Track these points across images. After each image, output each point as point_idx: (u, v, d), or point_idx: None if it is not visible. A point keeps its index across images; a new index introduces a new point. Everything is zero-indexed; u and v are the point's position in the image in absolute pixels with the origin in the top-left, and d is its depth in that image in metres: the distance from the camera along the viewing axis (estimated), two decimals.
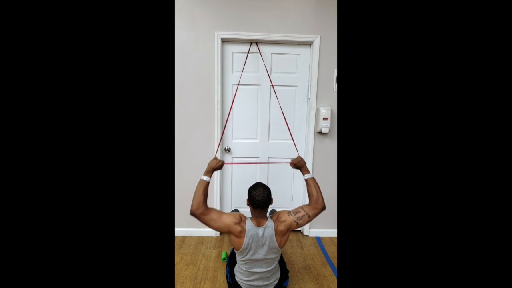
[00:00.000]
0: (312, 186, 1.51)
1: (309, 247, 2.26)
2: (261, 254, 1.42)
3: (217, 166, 1.51)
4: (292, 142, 2.37)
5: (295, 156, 2.38)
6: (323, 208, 1.48)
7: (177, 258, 2.05)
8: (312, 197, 1.49)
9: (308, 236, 2.44)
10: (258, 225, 1.43)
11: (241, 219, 1.44)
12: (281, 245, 1.44)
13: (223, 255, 2.02)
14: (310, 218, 1.46)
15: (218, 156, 2.27)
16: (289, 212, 1.48)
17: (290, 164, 1.61)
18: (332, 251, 2.21)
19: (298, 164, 1.57)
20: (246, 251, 1.42)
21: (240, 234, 1.40)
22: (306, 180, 1.54)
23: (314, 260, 2.08)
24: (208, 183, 1.45)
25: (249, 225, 1.42)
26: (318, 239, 2.39)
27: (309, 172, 1.56)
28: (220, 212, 1.46)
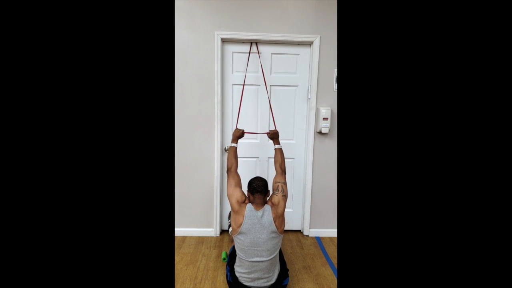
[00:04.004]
0: (279, 154, 1.81)
1: (309, 247, 2.26)
2: (261, 238, 1.48)
3: (238, 134, 1.85)
4: (296, 141, 2.36)
5: (294, 154, 2.42)
6: (285, 171, 1.78)
7: (177, 258, 2.05)
8: (277, 163, 1.79)
9: (308, 236, 2.44)
10: (257, 209, 1.54)
11: (244, 201, 1.59)
12: (280, 229, 1.53)
13: (223, 255, 2.02)
14: (286, 184, 1.69)
15: (218, 156, 2.28)
16: (274, 193, 1.66)
17: (267, 134, 1.95)
18: (332, 251, 2.21)
19: (274, 135, 1.88)
20: (245, 233, 1.49)
21: (238, 212, 1.54)
22: (275, 149, 1.83)
23: (314, 260, 2.08)
24: (236, 148, 1.79)
25: (249, 208, 1.54)
26: (318, 239, 2.39)
27: (279, 144, 1.86)
28: (238, 183, 1.66)
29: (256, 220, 1.50)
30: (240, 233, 1.50)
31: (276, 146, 1.85)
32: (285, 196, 1.64)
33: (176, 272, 1.88)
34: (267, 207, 1.56)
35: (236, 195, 1.60)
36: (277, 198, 1.62)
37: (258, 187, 1.60)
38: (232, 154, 1.76)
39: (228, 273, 1.61)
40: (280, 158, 1.80)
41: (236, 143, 1.82)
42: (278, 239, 1.53)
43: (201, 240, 2.31)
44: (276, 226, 1.51)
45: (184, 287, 1.74)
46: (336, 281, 1.84)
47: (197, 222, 2.38)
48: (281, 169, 1.76)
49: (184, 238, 2.35)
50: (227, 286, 1.72)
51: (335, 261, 2.07)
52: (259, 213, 1.52)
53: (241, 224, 1.50)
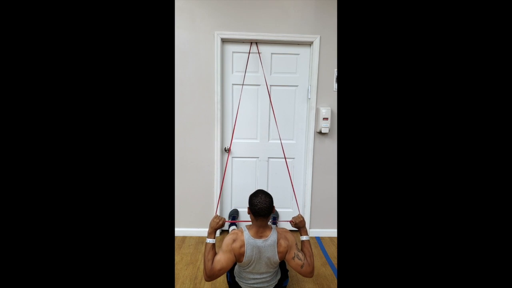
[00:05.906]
0: (308, 248, 1.47)
1: None
2: (262, 266, 1.40)
3: (218, 226, 1.45)
4: (291, 142, 2.36)
5: (294, 154, 2.42)
6: (311, 273, 1.43)
7: (177, 258, 2.05)
8: (309, 258, 1.44)
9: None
10: (258, 236, 1.38)
11: (236, 234, 1.40)
12: (280, 259, 1.42)
13: None
14: (301, 269, 1.40)
15: (218, 156, 2.28)
16: (297, 245, 1.46)
17: (290, 223, 1.57)
18: (332, 251, 2.21)
19: (300, 224, 1.53)
20: (249, 263, 1.38)
21: (241, 249, 1.36)
22: (302, 241, 1.50)
23: (314, 260, 2.08)
24: (213, 244, 1.39)
25: (247, 235, 1.38)
26: (318, 239, 2.39)
27: (307, 234, 1.54)
28: (220, 255, 1.37)
29: (257, 250, 1.36)
30: (243, 262, 1.39)
31: (304, 237, 1.49)
32: (292, 258, 1.40)
33: (176, 272, 1.88)
34: (273, 236, 1.38)
35: (228, 248, 1.35)
36: (291, 241, 1.41)
37: (262, 211, 1.34)
38: (209, 254, 1.34)
39: (228, 274, 1.61)
40: (309, 255, 1.43)
41: (214, 237, 1.41)
42: (278, 263, 1.45)
43: (201, 240, 2.31)
44: (278, 257, 1.39)
45: (184, 287, 1.74)
46: (336, 281, 1.84)
47: (197, 222, 2.38)
48: (310, 267, 1.40)
49: (184, 238, 2.35)
50: (227, 286, 1.72)
51: (335, 261, 2.07)
52: (260, 242, 1.37)
53: (243, 259, 1.36)
